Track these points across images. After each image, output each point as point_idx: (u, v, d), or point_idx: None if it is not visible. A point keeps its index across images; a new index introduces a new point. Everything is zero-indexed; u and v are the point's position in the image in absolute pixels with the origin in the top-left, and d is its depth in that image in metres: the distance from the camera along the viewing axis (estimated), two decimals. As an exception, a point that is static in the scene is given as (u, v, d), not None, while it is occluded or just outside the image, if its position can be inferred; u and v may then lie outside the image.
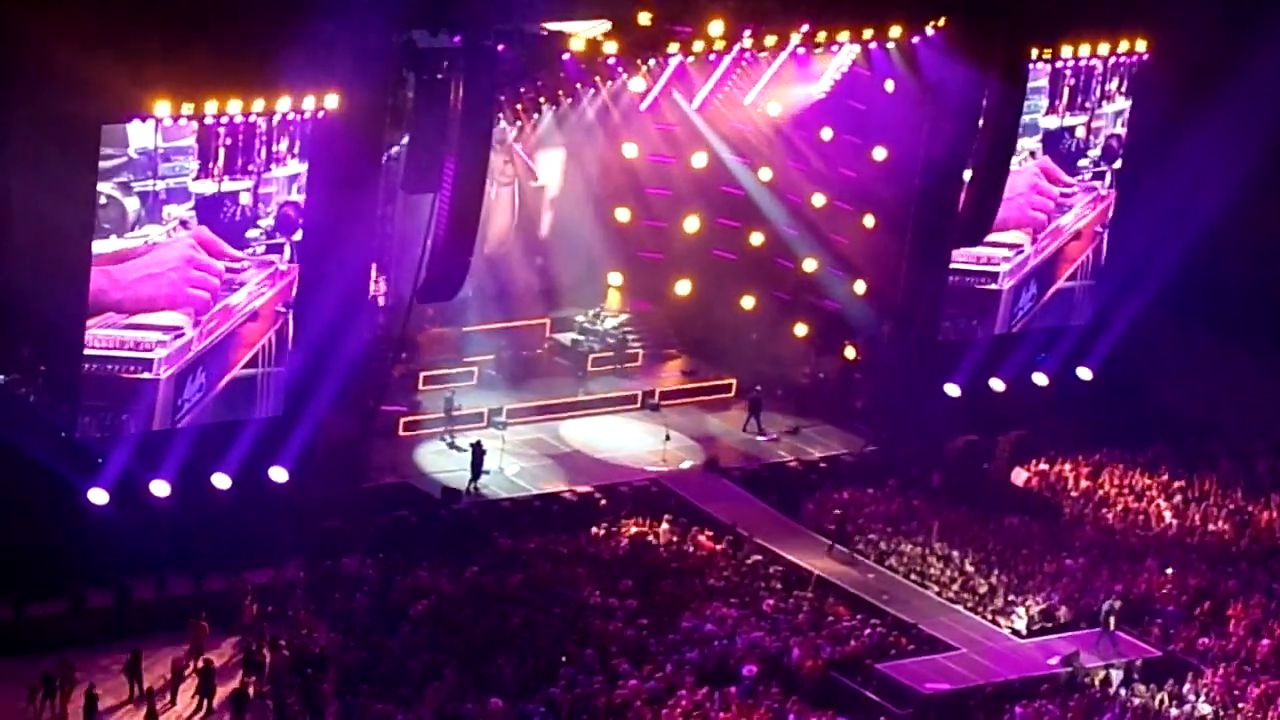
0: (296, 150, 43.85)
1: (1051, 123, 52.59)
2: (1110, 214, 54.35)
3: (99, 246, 42.14)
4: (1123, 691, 42.25)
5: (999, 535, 47.70)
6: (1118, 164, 53.82)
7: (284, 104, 43.38)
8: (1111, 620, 43.95)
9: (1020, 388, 53.44)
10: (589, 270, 54.26)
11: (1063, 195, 53.57)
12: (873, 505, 48.79)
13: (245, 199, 43.61)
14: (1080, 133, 53.14)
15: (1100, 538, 48.28)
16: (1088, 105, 52.89)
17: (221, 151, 42.87)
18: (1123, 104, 53.28)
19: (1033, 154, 52.53)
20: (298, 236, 44.49)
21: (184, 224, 42.95)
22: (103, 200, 41.98)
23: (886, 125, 51.67)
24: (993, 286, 53.32)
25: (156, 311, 43.10)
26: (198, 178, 42.90)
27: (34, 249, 42.20)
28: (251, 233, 43.95)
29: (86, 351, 42.48)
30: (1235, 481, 51.58)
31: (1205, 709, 41.99)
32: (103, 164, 41.77)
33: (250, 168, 43.42)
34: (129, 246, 42.50)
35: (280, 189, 44.05)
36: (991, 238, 52.43)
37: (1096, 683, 42.47)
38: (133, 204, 42.36)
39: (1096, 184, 53.91)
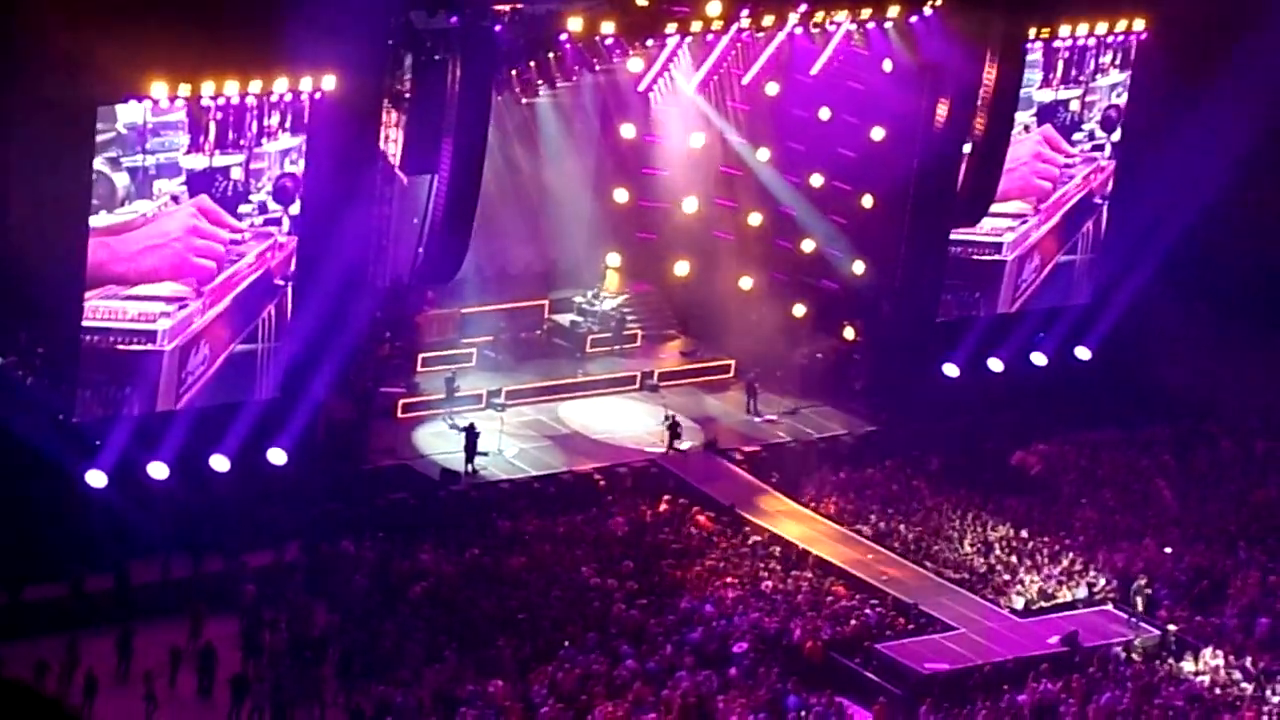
0: (288, 124, 43.75)
1: (1046, 96, 52.56)
2: (1110, 185, 54.33)
3: (92, 222, 42.05)
4: (1123, 670, 42.27)
5: (999, 515, 47.71)
6: (1117, 135, 53.79)
7: (281, 85, 43.30)
8: (1140, 600, 44.06)
9: (1019, 368, 53.47)
10: (587, 251, 54.18)
11: (1065, 165, 53.55)
12: (872, 486, 48.78)
13: (237, 174, 43.50)
14: (1075, 106, 53.13)
15: (1099, 518, 48.26)
16: (1081, 79, 52.87)
17: (212, 126, 42.75)
18: (1118, 76, 53.23)
19: (1026, 128, 52.51)
20: (295, 209, 44.43)
21: (175, 199, 42.86)
22: (92, 176, 41.88)
23: (885, 105, 51.60)
24: (996, 258, 53.31)
25: (159, 282, 43.02)
26: (188, 152, 42.79)
27: (30, 229, 42.09)
28: (244, 207, 43.87)
29: (86, 323, 42.35)
30: (1234, 461, 51.59)
31: (1203, 684, 42.00)
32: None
33: (241, 142, 43.32)
34: (124, 220, 42.40)
35: (272, 163, 43.96)
36: (995, 208, 52.39)
37: (1136, 659, 42.71)
38: (122, 179, 42.26)
39: (1096, 155, 53.89)
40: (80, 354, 42.62)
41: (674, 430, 49.33)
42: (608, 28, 47.65)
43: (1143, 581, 44.72)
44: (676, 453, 49.06)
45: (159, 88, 41.79)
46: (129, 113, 41.95)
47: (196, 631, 40.66)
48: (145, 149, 42.27)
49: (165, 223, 42.87)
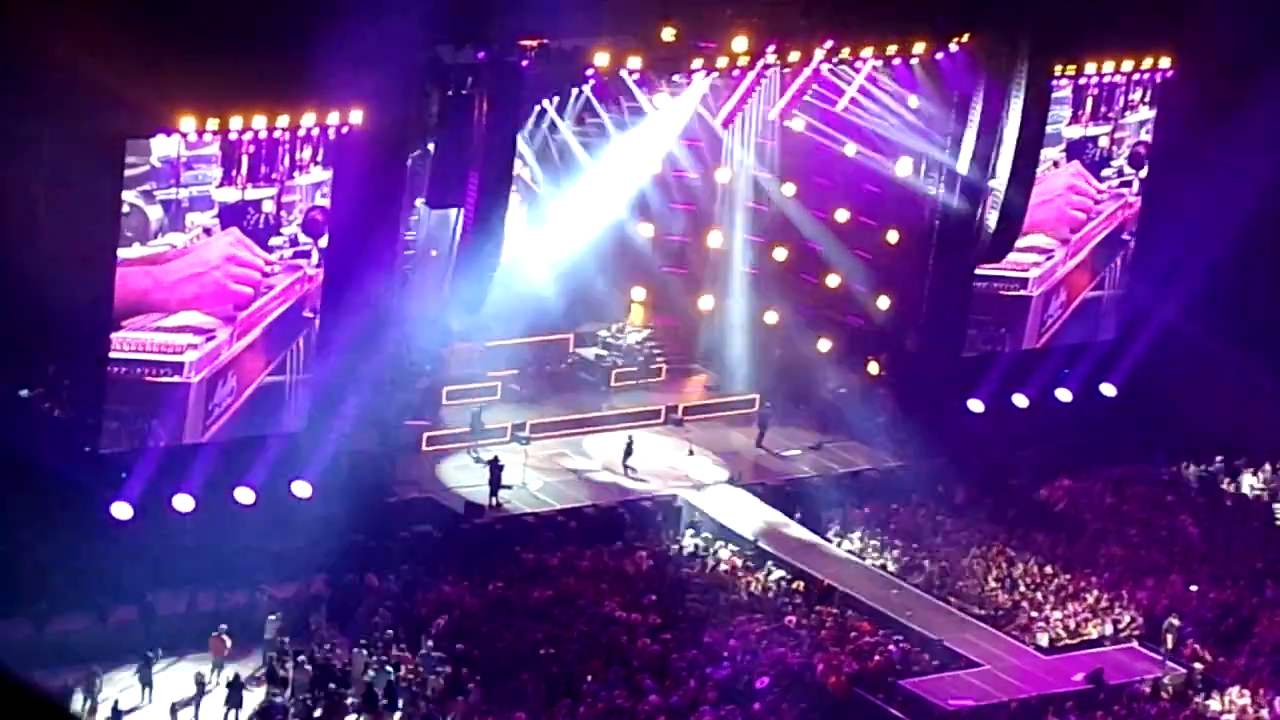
0: (320, 158, 43.98)
1: (1075, 132, 52.55)
2: (1137, 222, 54.24)
3: (125, 253, 42.29)
4: (1147, 708, 42.10)
5: (1024, 551, 47.59)
6: (1145, 172, 53.76)
7: (309, 119, 43.50)
8: (1170, 638, 43.92)
9: (1044, 403, 53.36)
10: (612, 285, 54.23)
11: (1096, 202, 53.52)
12: (896, 521, 48.72)
13: (268, 206, 43.73)
14: (1104, 142, 53.08)
15: (1124, 554, 48.11)
16: (1110, 115, 52.83)
17: (245, 160, 43.00)
18: (1146, 113, 53.18)
19: (1055, 164, 52.53)
20: (324, 242, 44.63)
21: (207, 231, 43.10)
22: (126, 209, 42.16)
23: (910, 141, 51.62)
24: (1022, 293, 53.27)
25: (199, 309, 43.19)
26: (221, 185, 43.04)
27: (59, 262, 42.30)
28: (275, 240, 44.08)
29: (114, 355, 42.55)
30: (1259, 497, 51.40)
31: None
32: (126, 173, 41.97)
33: (274, 175, 43.56)
34: (157, 252, 42.64)
35: (304, 197, 44.19)
36: (1022, 242, 52.34)
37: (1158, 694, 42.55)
38: (155, 212, 42.51)
39: (1124, 191, 53.86)
40: (107, 385, 42.80)
41: (628, 450, 49.28)
42: (634, 63, 47.78)
43: (1176, 620, 44.52)
44: (630, 472, 49.06)
45: (187, 122, 42.02)
46: (163, 146, 42.22)
47: (220, 664, 40.70)
48: (179, 182, 42.52)
49: (205, 251, 43.13)
